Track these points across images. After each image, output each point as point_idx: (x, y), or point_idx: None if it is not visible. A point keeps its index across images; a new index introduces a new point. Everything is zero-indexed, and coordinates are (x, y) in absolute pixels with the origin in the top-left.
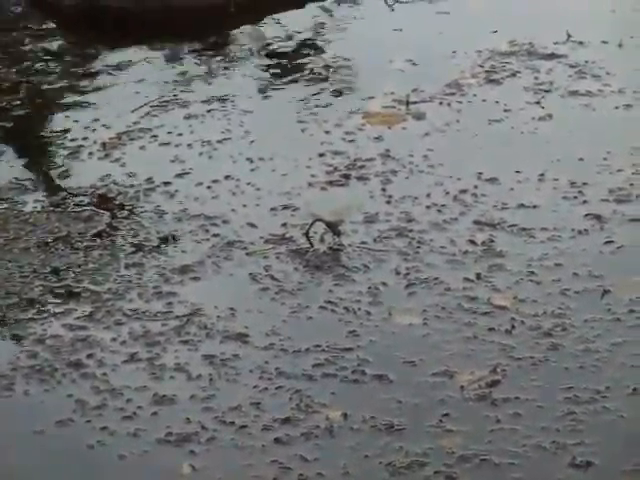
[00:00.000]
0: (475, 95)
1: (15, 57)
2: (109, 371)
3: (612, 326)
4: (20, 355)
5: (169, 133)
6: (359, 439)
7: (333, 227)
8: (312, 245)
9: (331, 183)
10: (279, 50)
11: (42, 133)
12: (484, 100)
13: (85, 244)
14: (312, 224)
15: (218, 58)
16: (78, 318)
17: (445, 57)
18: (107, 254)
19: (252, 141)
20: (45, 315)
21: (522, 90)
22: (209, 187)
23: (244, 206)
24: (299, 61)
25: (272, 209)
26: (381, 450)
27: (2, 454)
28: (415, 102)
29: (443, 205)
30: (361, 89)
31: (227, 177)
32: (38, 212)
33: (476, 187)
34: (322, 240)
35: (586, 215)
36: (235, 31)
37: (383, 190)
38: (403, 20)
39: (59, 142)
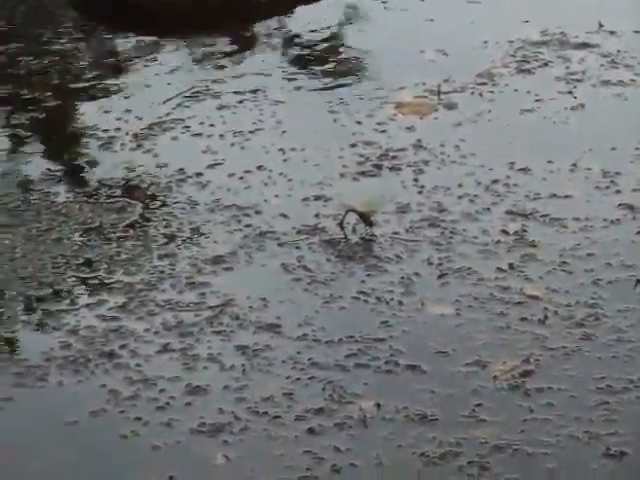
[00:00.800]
0: (507, 85)
1: (47, 48)
2: (142, 361)
3: None
4: (54, 346)
5: (201, 124)
6: (392, 429)
7: (365, 217)
8: (345, 235)
9: (363, 173)
10: (310, 41)
11: (74, 124)
12: (516, 90)
13: (118, 235)
14: (345, 215)
15: (248, 49)
16: (111, 309)
17: (476, 47)
18: (140, 245)
19: (284, 131)
20: (78, 306)
21: (554, 80)
22: (241, 178)
23: (276, 196)
24: (330, 52)
25: (304, 199)
26: (414, 440)
27: (36, 445)
28: (447, 92)
29: (475, 195)
30: (392, 79)
31: (259, 167)
32: (71, 203)
33: (508, 177)
34: (354, 230)
35: (618, 205)
36: (265, 22)
37: (415, 180)
38: (434, 10)
39: (91, 133)
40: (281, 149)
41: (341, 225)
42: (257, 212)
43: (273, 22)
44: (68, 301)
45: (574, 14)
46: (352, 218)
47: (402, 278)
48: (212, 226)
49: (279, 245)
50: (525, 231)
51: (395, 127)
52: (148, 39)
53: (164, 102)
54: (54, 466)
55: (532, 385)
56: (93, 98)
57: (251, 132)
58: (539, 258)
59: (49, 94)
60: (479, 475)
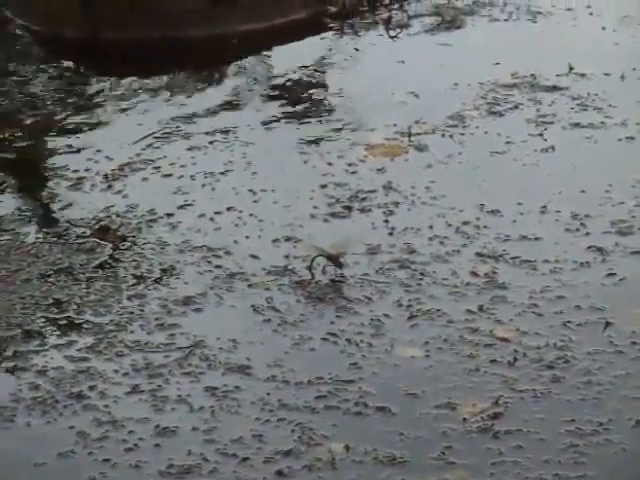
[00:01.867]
0: (477, 127)
1: (17, 89)
2: (111, 403)
3: (614, 358)
4: (22, 387)
5: (172, 164)
6: (361, 471)
7: (335, 259)
8: (314, 277)
9: (333, 215)
10: (282, 81)
11: (44, 164)
12: (486, 132)
13: (87, 275)
14: (314, 258)
15: (220, 90)
16: (80, 350)
17: (447, 89)
18: (109, 285)
19: (254, 173)
20: (47, 347)
21: (524, 122)
22: (212, 219)
23: (247, 237)
24: (301, 93)
25: (274, 240)
26: None
27: None
28: (417, 134)
29: (445, 237)
30: (363, 121)
31: (229, 209)
32: (40, 243)
33: (478, 219)
34: (324, 272)
35: (588, 247)
36: (238, 63)
37: (385, 222)
38: (405, 52)
39: (61, 173)
40: (251, 190)
41: (310, 267)
42: (227, 253)
43: (246, 62)
44: (37, 342)
45: (544, 57)
46: (322, 260)
47: (372, 320)
48: (182, 267)
49: (249, 286)
50: (495, 273)
51: (366, 168)
52: (119, 79)
53: (134, 143)
54: None
55: (501, 427)
56: (63, 138)
57: (222, 173)
58: (509, 300)
59: (19, 134)
60: None
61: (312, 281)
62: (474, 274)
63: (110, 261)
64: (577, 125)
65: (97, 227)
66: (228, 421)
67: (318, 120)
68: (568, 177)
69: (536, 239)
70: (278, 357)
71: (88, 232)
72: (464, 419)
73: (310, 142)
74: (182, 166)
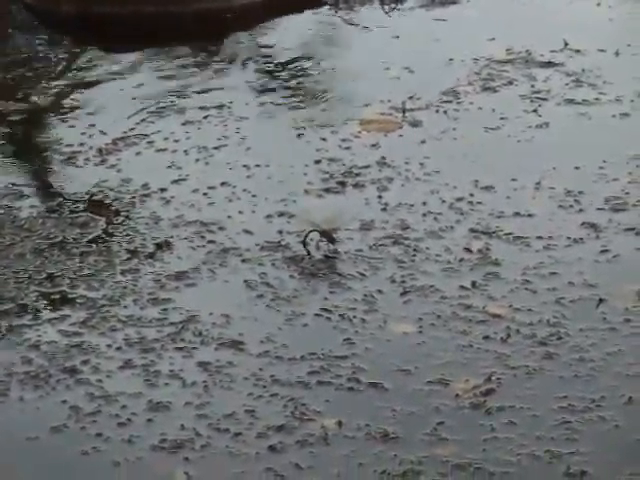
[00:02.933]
0: (471, 103)
1: (11, 63)
2: (104, 377)
3: (607, 335)
4: (15, 361)
5: (165, 139)
6: (354, 447)
7: (328, 235)
8: (309, 253)
9: (327, 190)
10: (277, 57)
11: (38, 139)
12: (480, 108)
13: (80, 250)
14: (308, 233)
15: (215, 65)
16: (73, 324)
17: (442, 65)
18: (102, 260)
19: (248, 148)
20: (40, 321)
21: (518, 98)
22: (205, 193)
23: (240, 213)
24: (295, 68)
25: (268, 216)
26: (375, 458)
27: None
28: (411, 109)
29: (439, 213)
30: (357, 96)
31: (223, 184)
32: (34, 218)
33: (472, 195)
34: (318, 247)
35: (582, 224)
36: (232, 37)
37: (379, 197)
38: (400, 27)
39: (55, 148)
40: (245, 165)
41: (304, 242)
42: (221, 228)
43: (241, 37)
44: (30, 316)
45: (539, 32)
46: (315, 235)
47: (365, 295)
48: (175, 242)
49: (242, 261)
50: (488, 249)
51: (359, 144)
52: (114, 53)
53: (128, 117)
54: None
55: (494, 404)
56: (58, 113)
57: (215, 148)
58: (502, 276)
59: (13, 108)
60: None
61: (306, 257)
62: (467, 250)
63: (104, 236)
64: (571, 101)
65: (91, 201)
66: (221, 396)
67: (312, 95)
68: (562, 153)
69: (530, 215)
70: (271, 332)
71: (81, 206)
72: (457, 395)
73: (304, 117)
74: (176, 141)
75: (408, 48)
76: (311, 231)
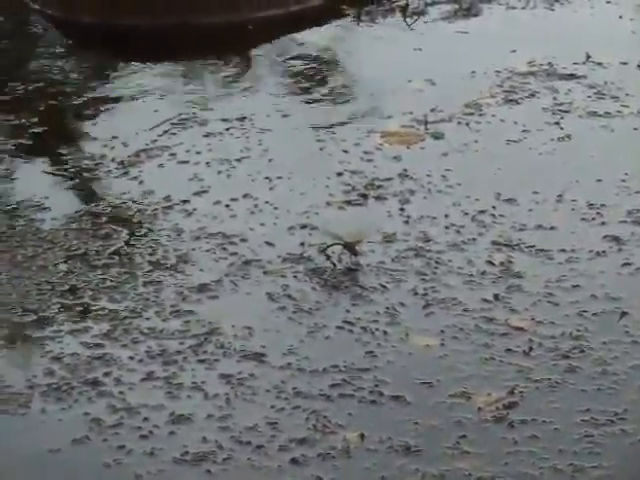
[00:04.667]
0: (494, 115)
1: (34, 75)
2: (126, 389)
3: (630, 348)
4: (37, 373)
5: (187, 151)
6: (376, 460)
7: (350, 247)
8: (335, 265)
9: (349, 202)
10: (299, 68)
11: (59, 150)
12: (502, 120)
13: (103, 262)
14: (329, 246)
15: (237, 77)
16: (95, 336)
17: (464, 77)
18: (125, 272)
19: (270, 159)
20: (62, 333)
21: (541, 111)
22: (227, 205)
23: (262, 225)
24: (318, 80)
25: (290, 228)
26: (397, 471)
27: (18, 473)
28: (434, 122)
29: (461, 225)
30: (379, 108)
31: (245, 195)
32: (56, 230)
33: (494, 207)
34: (340, 260)
35: (604, 237)
36: (254, 50)
37: (401, 210)
38: (422, 39)
39: (77, 159)
40: (267, 177)
41: (325, 254)
42: (243, 240)
43: (262, 49)
44: (52, 328)
45: (561, 45)
46: (337, 247)
47: (387, 308)
48: (198, 254)
49: (264, 273)
50: (511, 262)
51: (381, 156)
52: (135, 64)
53: (151, 129)
54: None
55: (516, 417)
56: (79, 124)
57: (237, 160)
58: (525, 289)
59: (35, 120)
60: None
61: (328, 269)
62: (490, 263)
63: (126, 248)
64: (594, 114)
65: (113, 214)
66: (243, 408)
67: (334, 108)
68: (584, 166)
69: (552, 228)
70: (293, 345)
71: (104, 219)
72: (479, 408)
73: (326, 130)
74: (198, 153)
75: (430, 60)
76: (333, 244)
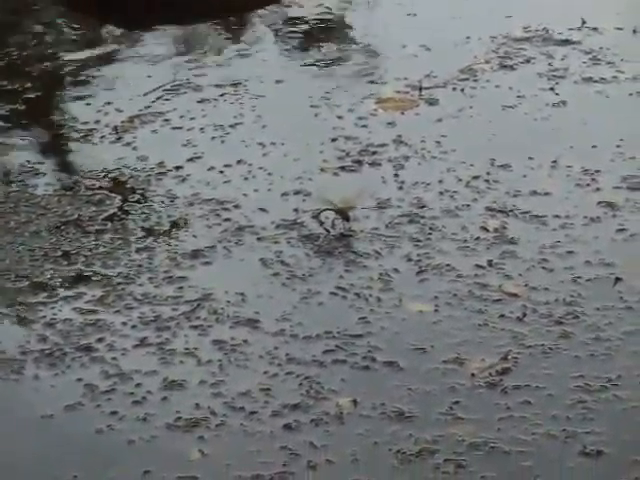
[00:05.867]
0: (488, 81)
1: (26, 40)
2: (119, 355)
3: (624, 314)
4: (30, 339)
5: (181, 117)
6: (369, 426)
7: (343, 213)
8: (327, 231)
9: (343, 168)
10: (292, 34)
11: (54, 116)
12: (497, 86)
13: (96, 228)
14: (322, 211)
15: (231, 42)
16: (88, 302)
17: (459, 42)
18: (118, 238)
19: (264, 125)
20: (55, 299)
21: (536, 76)
22: (221, 171)
23: (255, 191)
24: (310, 46)
25: (284, 194)
26: (391, 437)
27: (11, 438)
28: (428, 88)
29: (455, 191)
30: (374, 74)
31: (239, 162)
32: (49, 195)
33: (489, 173)
34: (333, 226)
35: (599, 202)
36: (248, 15)
37: (395, 176)
38: (417, 4)
39: (71, 125)
40: (261, 143)
41: (319, 220)
42: (236, 206)
43: (257, 15)
44: (45, 294)
45: (557, 10)
46: (331, 213)
47: (381, 274)
48: (191, 220)
49: (258, 239)
50: (505, 228)
51: (376, 122)
52: (130, 30)
53: (145, 94)
54: (28, 460)
55: (510, 383)
56: (73, 90)
57: (231, 126)
58: (518, 255)
59: (29, 85)
60: (455, 473)
61: (322, 235)
62: (484, 229)
63: (119, 213)
64: (589, 79)
65: (106, 179)
66: (236, 375)
67: (328, 73)
68: (579, 132)
69: (546, 194)
70: (286, 311)
71: (97, 184)
72: (472, 374)
73: (320, 95)
74: (192, 118)
75: (425, 26)
76: (325, 209)
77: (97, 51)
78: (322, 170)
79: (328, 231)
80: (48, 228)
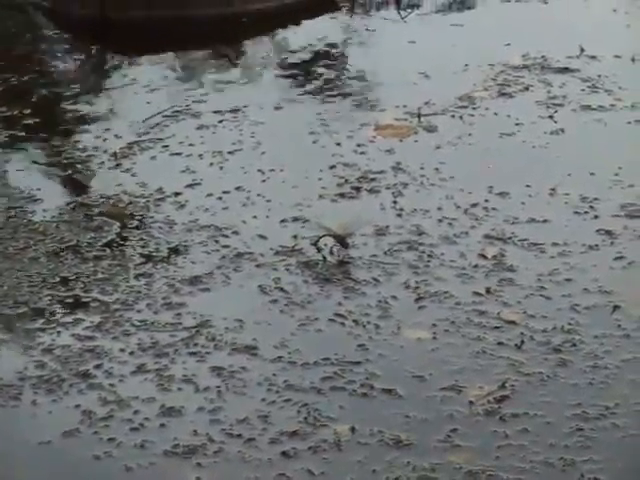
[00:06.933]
0: (487, 108)
1: (27, 66)
2: (117, 382)
3: (622, 342)
4: (28, 365)
5: (180, 143)
6: (367, 453)
7: (340, 239)
8: (324, 258)
9: (342, 195)
10: (291, 61)
11: (53, 142)
12: (496, 113)
13: (94, 254)
14: (320, 237)
15: (230, 69)
16: (87, 328)
17: (458, 70)
18: (116, 264)
19: (263, 152)
20: (53, 325)
21: (534, 104)
22: (220, 198)
23: (254, 217)
24: (310, 73)
25: (282, 221)
26: (389, 465)
27: (8, 464)
28: (427, 115)
29: (454, 219)
30: (373, 101)
31: (238, 188)
32: (48, 221)
33: (487, 201)
34: (332, 252)
35: (597, 230)
36: (248, 42)
37: (394, 203)
38: (416, 32)
39: (70, 151)
40: (260, 170)
41: (316, 247)
42: (235, 233)
43: (255, 41)
44: (43, 320)
45: (555, 38)
46: (330, 240)
47: (379, 301)
48: (190, 246)
49: (256, 266)
50: (503, 255)
51: (375, 149)
52: (129, 57)
53: (144, 121)
54: None
55: (508, 410)
56: (72, 116)
57: (230, 152)
58: (517, 283)
59: (28, 111)
60: None
61: (320, 262)
62: (482, 256)
63: (118, 240)
64: (587, 107)
65: (105, 205)
66: (234, 401)
67: (327, 100)
68: (577, 159)
69: (545, 221)
70: (284, 338)
71: (96, 210)
72: (470, 402)
73: (319, 122)
74: (191, 145)
75: (424, 53)
76: (323, 235)
77: (95, 78)
78: (321, 197)
79: (324, 258)
80: (46, 254)
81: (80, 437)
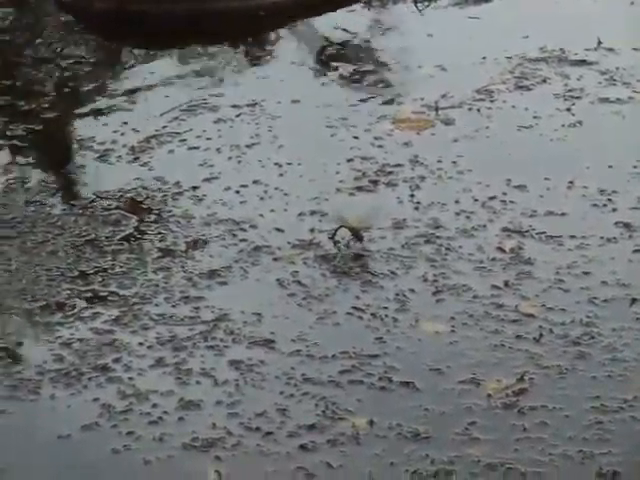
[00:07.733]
0: (505, 101)
1: (45, 60)
2: (135, 375)
3: None
4: (47, 359)
5: (198, 137)
6: (385, 446)
7: (355, 232)
8: (339, 250)
9: (359, 188)
10: (308, 55)
11: (71, 136)
12: (513, 106)
13: (113, 248)
14: (336, 231)
15: (247, 63)
16: (105, 322)
17: (475, 63)
18: (134, 258)
19: (280, 146)
20: (72, 319)
21: (552, 97)
22: (237, 192)
23: (272, 211)
24: (326, 67)
25: (300, 214)
26: (407, 458)
27: (27, 458)
28: (444, 108)
29: (471, 212)
30: (390, 94)
31: (255, 182)
32: (66, 215)
33: (505, 194)
34: (348, 246)
35: (615, 223)
36: (265, 35)
37: (411, 196)
38: (433, 25)
39: (88, 145)
40: (277, 163)
41: (333, 240)
42: (252, 226)
43: (273, 35)
44: (62, 314)
45: (573, 31)
46: (346, 233)
47: (397, 294)
48: (207, 240)
49: (274, 260)
50: (521, 248)
51: (392, 142)
52: (147, 50)
53: (161, 115)
54: None
55: (526, 403)
56: (90, 110)
57: (248, 146)
58: (535, 276)
59: (46, 105)
60: None
61: (337, 255)
62: (500, 249)
63: (136, 234)
64: (605, 100)
65: (123, 200)
66: (252, 395)
67: (345, 94)
68: (595, 152)
69: (563, 214)
70: (302, 331)
71: (114, 204)
72: (489, 395)
73: (337, 115)
74: (208, 139)
75: (441, 46)
76: (340, 227)
77: (112, 72)
78: (338, 190)
79: (339, 251)
80: (65, 248)
81: (99, 431)
